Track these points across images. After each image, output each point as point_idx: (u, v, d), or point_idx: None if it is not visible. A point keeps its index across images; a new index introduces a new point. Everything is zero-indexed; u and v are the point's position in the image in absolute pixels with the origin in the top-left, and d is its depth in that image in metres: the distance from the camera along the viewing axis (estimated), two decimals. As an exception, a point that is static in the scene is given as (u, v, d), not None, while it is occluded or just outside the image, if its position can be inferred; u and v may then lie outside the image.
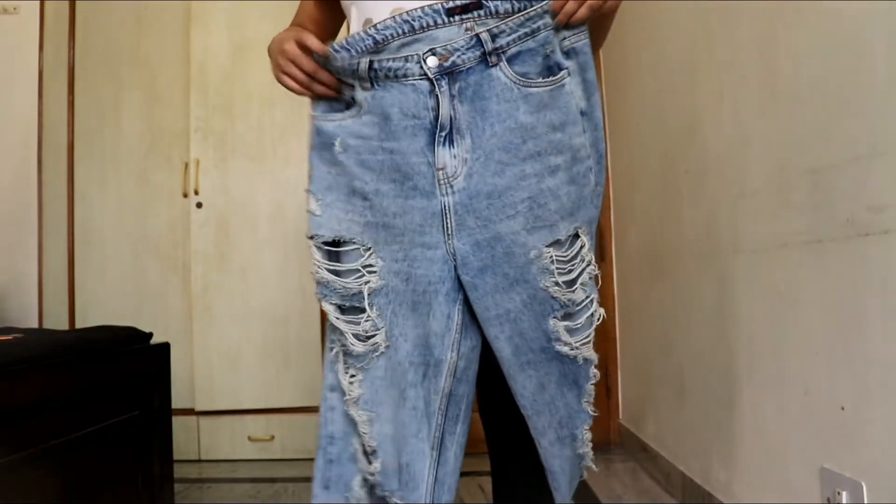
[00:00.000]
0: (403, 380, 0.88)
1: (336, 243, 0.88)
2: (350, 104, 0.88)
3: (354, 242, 0.87)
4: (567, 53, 0.85)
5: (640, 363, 2.27)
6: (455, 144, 0.84)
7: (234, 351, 2.50)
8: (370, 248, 0.87)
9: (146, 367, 1.62)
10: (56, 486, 1.26)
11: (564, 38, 0.84)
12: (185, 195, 2.58)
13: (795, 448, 1.20)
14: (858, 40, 0.99)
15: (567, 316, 0.87)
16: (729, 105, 1.44)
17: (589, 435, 0.96)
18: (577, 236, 0.87)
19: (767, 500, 1.30)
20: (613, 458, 2.39)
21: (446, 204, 0.84)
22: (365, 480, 0.89)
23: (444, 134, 0.83)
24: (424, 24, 0.81)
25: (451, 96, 0.83)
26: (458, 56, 0.81)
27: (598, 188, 0.91)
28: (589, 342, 0.90)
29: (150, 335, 1.67)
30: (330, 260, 0.88)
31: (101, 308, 2.56)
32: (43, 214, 2.48)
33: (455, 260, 0.85)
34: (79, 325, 2.54)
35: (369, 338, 0.87)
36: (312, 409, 2.46)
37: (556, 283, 0.85)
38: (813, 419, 1.14)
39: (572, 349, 0.88)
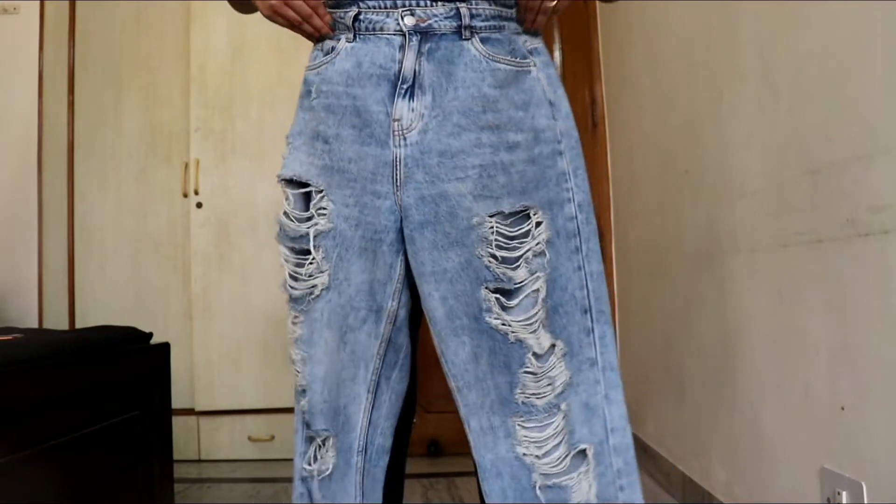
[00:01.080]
0: (344, 323, 0.89)
1: (296, 184, 0.90)
2: (329, 52, 0.91)
3: (310, 185, 0.89)
4: (530, 52, 0.90)
5: (640, 363, 2.27)
6: (415, 99, 0.86)
7: (234, 351, 2.49)
8: (322, 190, 0.88)
9: (146, 367, 1.62)
10: (56, 486, 1.26)
11: (526, 41, 0.90)
12: (185, 195, 2.58)
13: (795, 448, 1.20)
14: (858, 40, 0.99)
15: (502, 291, 0.84)
16: (729, 105, 1.44)
17: (544, 442, 0.83)
18: (527, 215, 0.85)
19: (767, 500, 1.30)
20: (613, 458, 2.38)
21: (398, 155, 0.86)
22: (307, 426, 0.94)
23: (405, 86, 0.86)
24: (408, 3, 0.87)
25: (419, 53, 0.86)
26: (436, 21, 0.86)
27: (580, 172, 0.90)
28: (527, 324, 0.83)
29: (150, 335, 1.67)
30: (295, 202, 0.90)
31: (101, 308, 2.56)
32: (43, 214, 2.48)
33: (401, 212, 0.87)
34: (79, 325, 2.54)
35: (309, 278, 0.89)
36: (312, 409, 2.46)
37: (492, 256, 0.83)
38: (813, 419, 1.14)
39: (503, 323, 0.83)
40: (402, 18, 0.86)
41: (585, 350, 0.88)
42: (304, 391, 0.92)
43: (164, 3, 2.63)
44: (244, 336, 2.50)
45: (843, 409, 1.05)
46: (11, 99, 2.46)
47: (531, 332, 0.83)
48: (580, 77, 2.63)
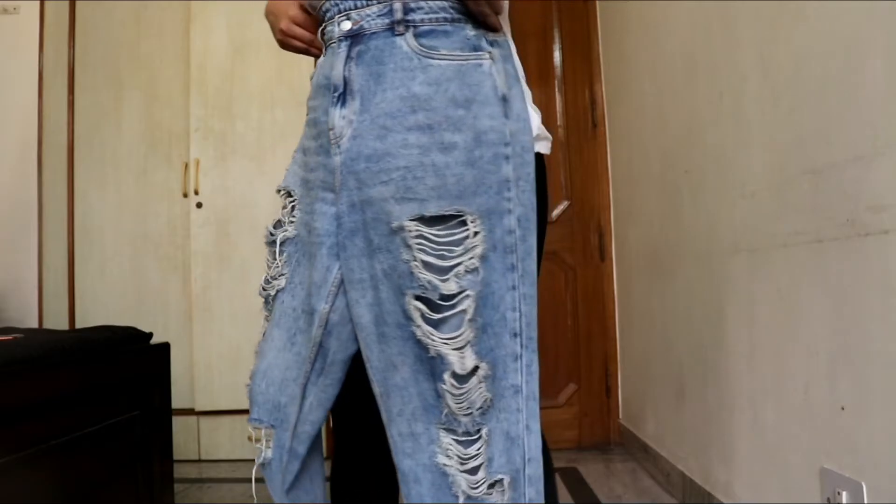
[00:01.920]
0: (295, 325, 0.93)
1: (285, 194, 0.97)
2: None
3: (293, 194, 0.95)
4: (490, 44, 0.85)
5: (640, 363, 2.27)
6: (346, 105, 0.86)
7: (234, 351, 2.49)
8: (294, 200, 0.94)
9: (146, 367, 1.62)
10: (56, 486, 1.26)
11: (487, 33, 0.86)
12: (185, 195, 2.58)
13: (795, 448, 1.20)
14: (858, 40, 0.99)
15: (426, 301, 0.80)
16: (729, 105, 1.44)
17: (467, 460, 0.81)
18: (462, 222, 0.80)
19: (767, 500, 1.30)
20: (613, 457, 2.39)
21: (336, 163, 0.87)
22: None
23: (336, 94, 0.86)
24: (346, 8, 0.87)
25: (349, 58, 0.86)
26: (367, 21, 0.85)
27: (522, 183, 0.83)
28: (453, 342, 0.79)
29: (150, 335, 1.67)
30: (284, 210, 0.97)
31: (101, 308, 2.56)
32: (43, 214, 2.48)
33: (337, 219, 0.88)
34: (79, 325, 2.54)
35: (272, 280, 0.94)
36: (312, 409, 2.46)
37: (414, 259, 0.80)
38: (813, 419, 1.14)
39: (424, 336, 0.80)
40: (339, 24, 0.86)
41: (511, 376, 0.82)
42: (250, 379, 0.98)
43: (164, 3, 2.63)
44: (244, 336, 2.50)
45: (843, 409, 1.05)
46: (11, 99, 2.46)
47: (455, 350, 0.79)
48: (580, 77, 2.63)
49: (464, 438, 0.81)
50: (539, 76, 2.62)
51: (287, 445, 0.94)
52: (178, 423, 2.30)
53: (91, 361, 1.42)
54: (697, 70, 1.62)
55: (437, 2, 0.83)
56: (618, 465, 2.29)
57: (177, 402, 1.88)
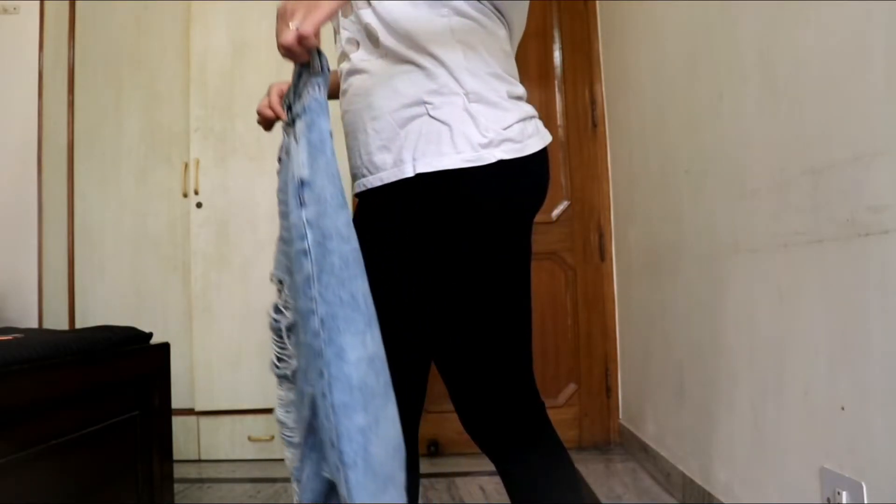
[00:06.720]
0: None
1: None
2: None
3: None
4: (294, 119, 0.77)
5: (640, 363, 2.27)
6: None
7: (234, 351, 2.49)
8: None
9: (146, 367, 1.62)
10: (56, 486, 1.26)
11: (301, 98, 0.76)
12: (185, 195, 2.58)
13: (795, 448, 1.20)
14: (858, 40, 0.99)
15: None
16: (729, 105, 1.44)
17: None
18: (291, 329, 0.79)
19: (767, 500, 1.30)
20: (613, 457, 2.39)
21: None
22: None
23: None
24: None
25: None
26: None
27: (325, 277, 0.71)
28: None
29: (150, 335, 1.67)
30: None
31: (101, 308, 2.56)
32: (43, 214, 2.48)
33: None
34: (79, 325, 2.54)
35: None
36: (312, 409, 2.46)
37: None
38: (813, 419, 1.14)
39: None
40: None
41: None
42: None
43: (164, 3, 2.63)
44: (244, 336, 2.50)
45: (843, 409, 1.05)
46: (11, 99, 2.46)
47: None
48: (580, 77, 2.63)
49: None
50: (539, 76, 2.62)
51: None
52: (178, 423, 2.29)
53: (91, 361, 1.41)
54: (697, 70, 1.62)
55: (303, 98, 0.80)
56: (618, 465, 2.29)
57: (177, 402, 1.88)
